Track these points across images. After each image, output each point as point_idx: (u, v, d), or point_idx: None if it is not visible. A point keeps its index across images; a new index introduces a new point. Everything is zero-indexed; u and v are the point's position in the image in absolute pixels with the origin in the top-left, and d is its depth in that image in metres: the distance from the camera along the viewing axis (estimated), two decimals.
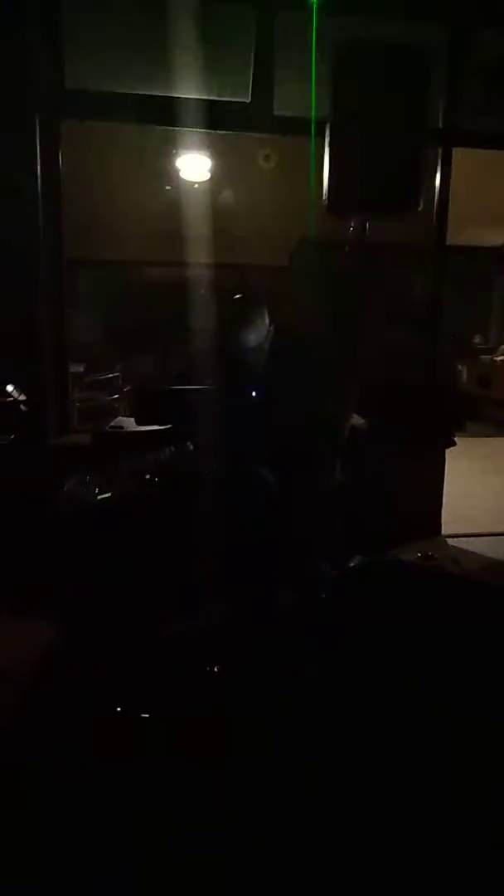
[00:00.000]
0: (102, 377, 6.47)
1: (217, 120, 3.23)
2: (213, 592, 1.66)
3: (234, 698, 0.95)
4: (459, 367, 7.95)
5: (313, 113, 2.77)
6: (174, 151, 4.54)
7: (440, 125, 3.42)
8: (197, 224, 3.98)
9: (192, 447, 2.15)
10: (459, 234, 7.08)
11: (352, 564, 0.85)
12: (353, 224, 2.59)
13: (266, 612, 1.14)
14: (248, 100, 3.24)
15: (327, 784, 0.82)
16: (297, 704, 0.87)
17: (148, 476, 2.00)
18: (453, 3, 3.28)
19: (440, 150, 3.44)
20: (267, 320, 2.25)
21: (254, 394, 2.12)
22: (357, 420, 2.63)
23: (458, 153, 3.71)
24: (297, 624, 0.89)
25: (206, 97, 3.18)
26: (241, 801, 0.86)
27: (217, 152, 4.56)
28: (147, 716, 1.02)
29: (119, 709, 1.05)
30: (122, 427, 3.03)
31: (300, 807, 0.84)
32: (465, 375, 7.88)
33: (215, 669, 0.96)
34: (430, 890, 0.71)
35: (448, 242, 3.75)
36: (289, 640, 0.89)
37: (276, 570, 1.62)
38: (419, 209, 2.67)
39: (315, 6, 2.84)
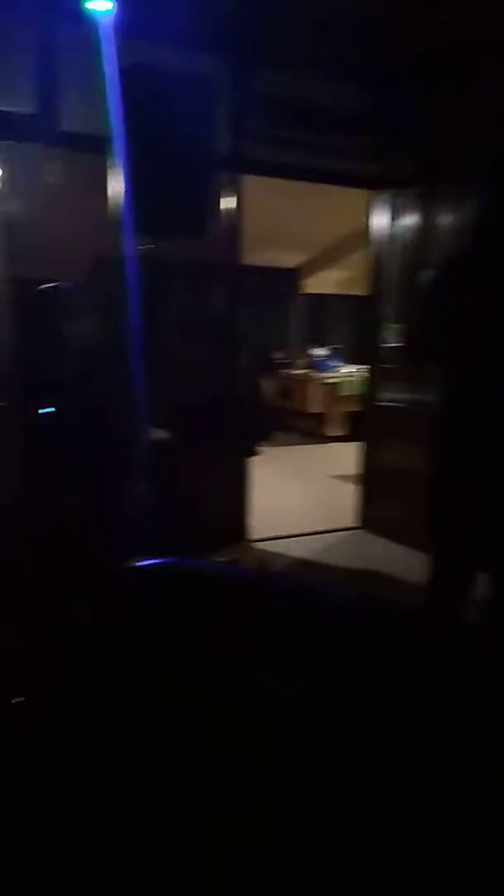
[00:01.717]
0: None
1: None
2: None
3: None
4: (262, 380, 8.37)
5: (109, 132, 2.80)
6: None
7: (228, 153, 3.62)
8: None
9: None
10: (258, 255, 7.52)
11: (129, 566, 0.88)
12: (143, 244, 2.65)
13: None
14: (33, 111, 3.18)
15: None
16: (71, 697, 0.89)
17: None
18: (237, 38, 3.50)
19: (230, 177, 3.64)
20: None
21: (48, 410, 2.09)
22: (159, 433, 2.70)
23: (256, 182, 3.97)
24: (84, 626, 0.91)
25: None
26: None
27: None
28: None
29: None
30: None
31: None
32: (266, 388, 8.31)
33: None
34: None
35: (248, 263, 3.98)
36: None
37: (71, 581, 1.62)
38: (210, 232, 2.81)
39: (99, 26, 2.88)
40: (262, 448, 4.12)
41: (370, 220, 4.20)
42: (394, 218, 4.08)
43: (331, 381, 7.71)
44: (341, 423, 7.69)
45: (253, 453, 3.86)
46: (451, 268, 1.94)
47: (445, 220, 3.80)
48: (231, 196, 3.65)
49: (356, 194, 4.25)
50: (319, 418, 7.76)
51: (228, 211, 3.67)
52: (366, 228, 4.27)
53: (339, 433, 7.67)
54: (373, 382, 4.33)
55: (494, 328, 1.80)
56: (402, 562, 3.48)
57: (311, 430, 7.94)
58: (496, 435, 1.83)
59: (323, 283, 8.79)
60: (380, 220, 4.13)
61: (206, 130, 3.14)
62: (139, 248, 2.63)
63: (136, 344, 2.31)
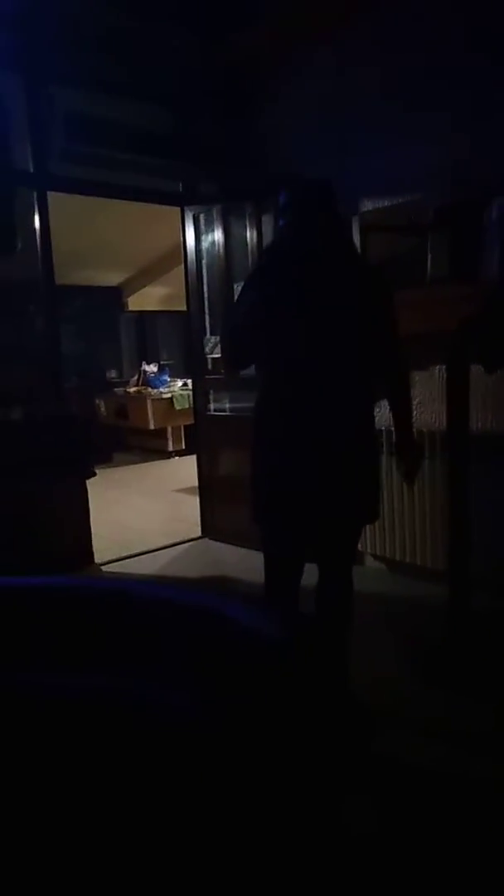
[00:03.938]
0: None
1: None
2: None
3: None
4: (97, 400, 8.22)
5: None
6: None
7: (31, 169, 3.53)
8: None
9: None
10: (80, 274, 7.38)
11: None
12: None
13: None
14: None
15: None
16: None
17: None
18: (31, 55, 3.43)
19: (35, 194, 3.55)
20: None
21: None
22: None
23: (71, 200, 3.91)
24: None
25: None
26: None
27: None
28: None
29: None
30: None
31: None
32: (103, 408, 8.18)
33: None
34: None
35: (70, 282, 3.88)
36: None
37: None
38: (15, 250, 2.72)
39: None
40: (101, 468, 4.05)
41: (182, 236, 4.30)
42: (201, 234, 4.22)
43: (165, 396, 7.74)
44: (180, 438, 7.75)
45: (91, 474, 3.77)
46: (248, 282, 2.07)
47: (245, 235, 4.01)
48: (38, 214, 3.56)
49: (172, 211, 4.33)
50: (158, 434, 7.76)
51: (37, 228, 3.58)
52: (180, 245, 4.37)
53: (179, 447, 7.73)
54: (199, 394, 4.43)
55: (286, 334, 1.94)
56: (244, 563, 3.59)
57: (151, 447, 7.92)
58: (297, 432, 1.95)
59: (147, 299, 8.82)
60: (190, 237, 4.25)
61: (2, 146, 3.06)
62: None
63: None
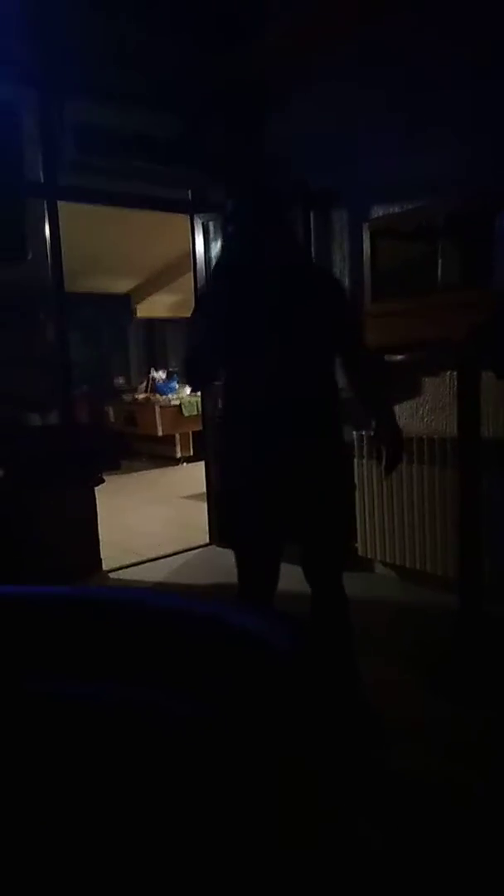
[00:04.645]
0: None
1: None
2: None
3: None
4: (106, 407, 8.25)
5: None
6: None
7: (41, 179, 3.56)
8: None
9: None
10: (90, 282, 7.43)
11: None
12: None
13: None
14: None
15: None
16: None
17: None
18: (44, 67, 3.47)
19: (45, 203, 3.58)
20: None
21: None
22: None
23: (80, 209, 3.93)
24: None
25: None
26: None
27: None
28: None
29: None
30: None
31: None
32: (112, 415, 8.20)
33: None
34: None
35: (80, 290, 3.91)
36: None
37: None
38: (27, 258, 2.74)
39: None
40: (109, 475, 4.07)
41: (192, 244, 4.31)
42: (210, 241, 4.23)
43: (174, 403, 7.75)
44: (188, 444, 7.75)
45: (99, 481, 3.78)
46: (203, 305, 2.09)
47: None
48: (48, 223, 3.59)
49: (180, 219, 4.35)
50: (166, 441, 7.77)
51: (47, 237, 3.60)
52: (189, 252, 4.38)
53: (188, 454, 7.73)
54: (207, 401, 4.44)
55: (245, 353, 1.95)
56: None
57: (160, 454, 7.92)
58: (262, 441, 1.95)
59: (156, 307, 8.85)
60: (199, 245, 4.27)
61: (15, 157, 3.08)
62: None
63: None
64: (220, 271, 2.08)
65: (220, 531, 2.10)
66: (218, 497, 2.09)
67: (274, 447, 1.93)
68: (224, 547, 2.12)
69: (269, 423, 1.92)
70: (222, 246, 2.14)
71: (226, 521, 2.08)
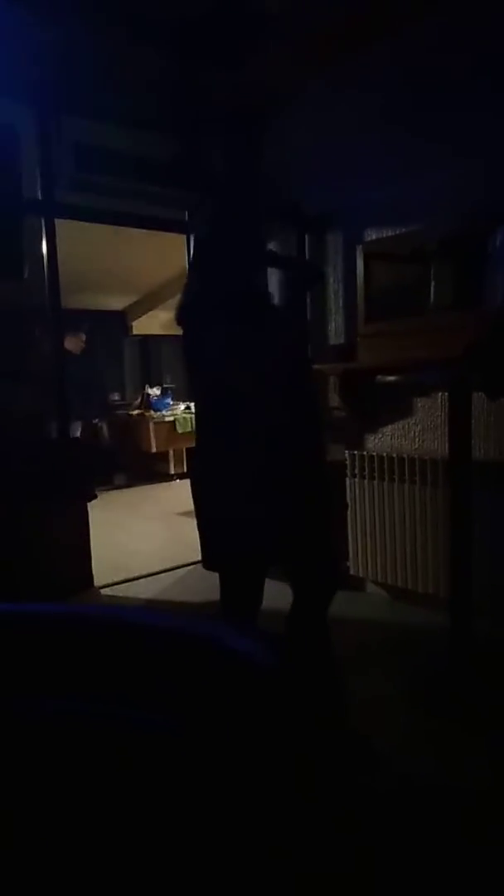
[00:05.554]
0: None
1: None
2: None
3: None
4: (99, 422, 8.24)
5: None
6: None
7: (39, 197, 3.59)
8: None
9: None
10: (85, 299, 7.47)
11: None
12: None
13: None
14: None
15: None
16: None
17: None
18: (43, 86, 3.52)
19: (43, 221, 3.61)
20: None
21: None
22: None
23: (77, 227, 3.96)
24: None
25: None
26: None
27: None
28: None
29: None
30: None
31: None
32: (105, 430, 8.19)
33: None
34: None
35: (75, 307, 3.93)
36: None
37: None
38: (25, 275, 2.76)
39: None
40: (102, 491, 4.08)
41: (188, 263, 4.35)
42: None
43: (167, 419, 7.77)
44: (182, 461, 7.75)
45: (91, 497, 3.77)
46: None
47: None
48: (45, 240, 3.61)
49: (177, 238, 4.40)
50: (160, 457, 7.76)
51: (45, 254, 3.63)
52: (185, 271, 4.41)
53: (181, 470, 7.72)
54: None
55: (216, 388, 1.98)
56: None
57: (153, 470, 7.92)
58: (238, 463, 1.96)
59: (151, 324, 8.90)
60: None
61: (14, 175, 3.12)
62: None
63: None
64: (191, 316, 2.07)
65: (204, 558, 2.09)
66: (202, 525, 2.07)
67: (254, 473, 1.92)
68: (209, 569, 2.11)
69: (247, 452, 1.91)
70: (195, 254, 2.15)
71: (209, 549, 2.08)
